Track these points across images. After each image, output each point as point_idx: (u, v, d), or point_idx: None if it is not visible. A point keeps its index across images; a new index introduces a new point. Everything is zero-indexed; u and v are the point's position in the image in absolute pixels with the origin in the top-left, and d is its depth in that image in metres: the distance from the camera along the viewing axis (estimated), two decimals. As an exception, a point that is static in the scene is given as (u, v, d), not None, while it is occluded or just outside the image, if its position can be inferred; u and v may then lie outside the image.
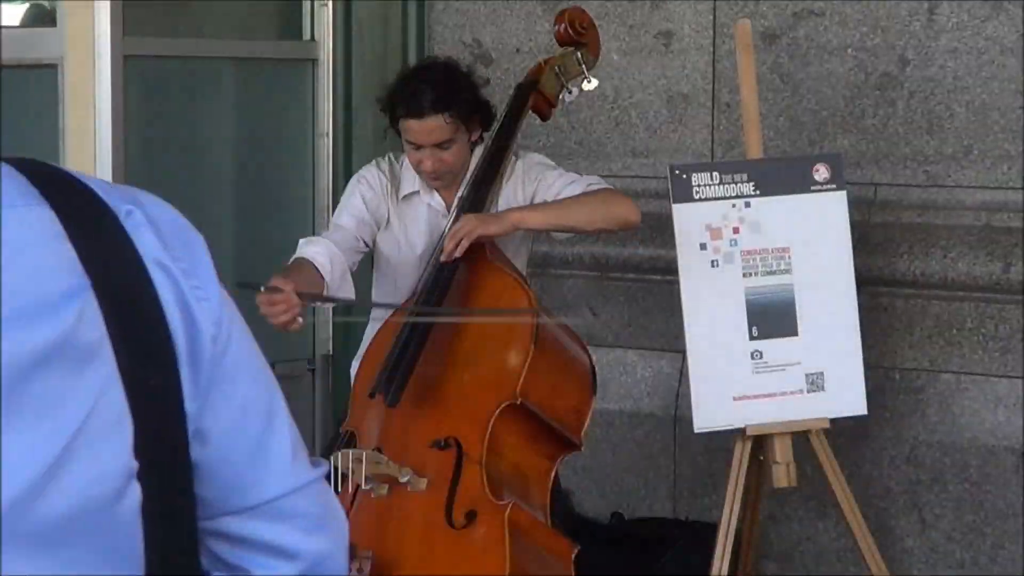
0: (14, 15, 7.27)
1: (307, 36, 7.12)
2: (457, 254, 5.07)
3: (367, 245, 5.42)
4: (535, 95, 5.58)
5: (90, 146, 6.42)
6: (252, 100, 7.15)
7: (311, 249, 5.22)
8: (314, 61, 7.12)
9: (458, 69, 5.41)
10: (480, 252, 5.19)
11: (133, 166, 6.49)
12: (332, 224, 5.47)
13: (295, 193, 7.16)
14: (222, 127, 7.10)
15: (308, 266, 5.14)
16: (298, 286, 4.93)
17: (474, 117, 5.31)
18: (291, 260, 5.21)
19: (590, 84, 5.66)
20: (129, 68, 6.42)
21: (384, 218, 5.44)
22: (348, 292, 5.35)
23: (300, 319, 4.94)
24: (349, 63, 7.07)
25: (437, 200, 5.42)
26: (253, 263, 6.95)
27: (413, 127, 5.22)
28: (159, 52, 6.75)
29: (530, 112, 5.62)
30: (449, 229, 5.24)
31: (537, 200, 5.38)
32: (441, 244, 5.20)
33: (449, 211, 5.41)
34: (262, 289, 4.90)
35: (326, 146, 7.10)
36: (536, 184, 5.40)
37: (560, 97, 5.64)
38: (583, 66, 5.61)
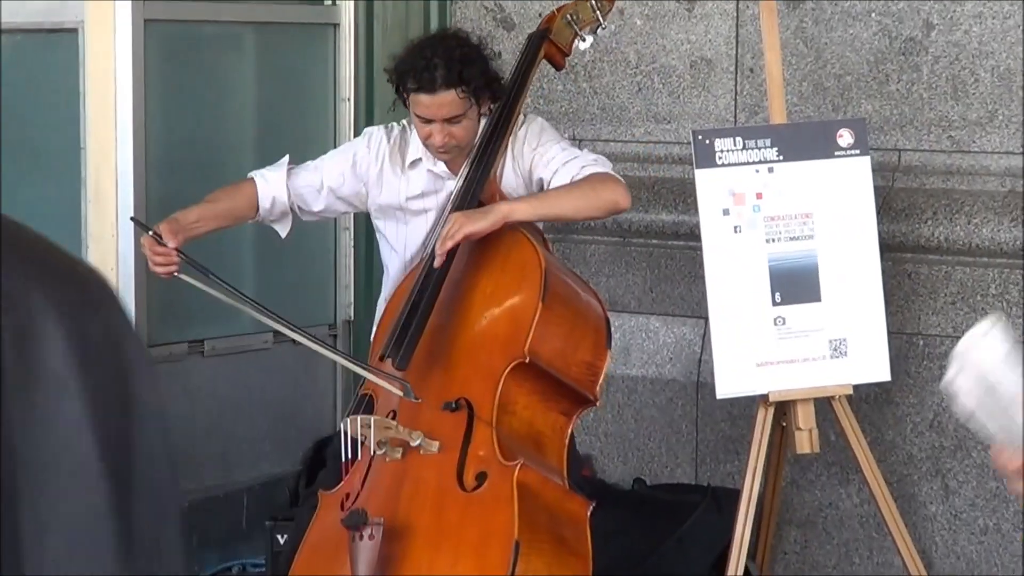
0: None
1: (328, 1, 7.14)
2: (443, 256, 5.10)
3: (333, 199, 5.48)
4: (548, 44, 5.59)
5: (110, 111, 6.41)
6: (273, 65, 7.16)
7: (262, 183, 5.39)
8: (335, 25, 7.10)
9: (470, 43, 5.40)
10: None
11: (153, 131, 6.50)
12: (314, 162, 5.51)
13: (316, 157, 7.09)
14: (243, 92, 7.10)
15: (247, 193, 5.37)
16: (187, 238, 5.11)
17: (485, 92, 5.30)
18: (243, 179, 5.41)
19: (602, 28, 5.64)
20: (149, 32, 6.39)
21: (371, 181, 5.48)
22: (284, 229, 5.51)
23: (176, 273, 5.08)
24: (371, 27, 7.07)
25: (442, 168, 5.43)
26: (273, 232, 7.01)
27: (424, 101, 5.22)
28: (179, 16, 6.73)
29: (544, 62, 5.61)
30: (450, 207, 5.28)
31: (536, 173, 5.37)
32: (435, 243, 5.19)
33: (454, 173, 5.43)
34: (149, 233, 5.06)
35: (348, 111, 7.10)
36: (533, 156, 5.38)
37: (574, 45, 5.62)
38: (597, 12, 5.59)
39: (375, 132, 5.53)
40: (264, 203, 5.35)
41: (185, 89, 6.81)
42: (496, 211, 5.12)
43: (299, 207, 5.41)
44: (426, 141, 5.31)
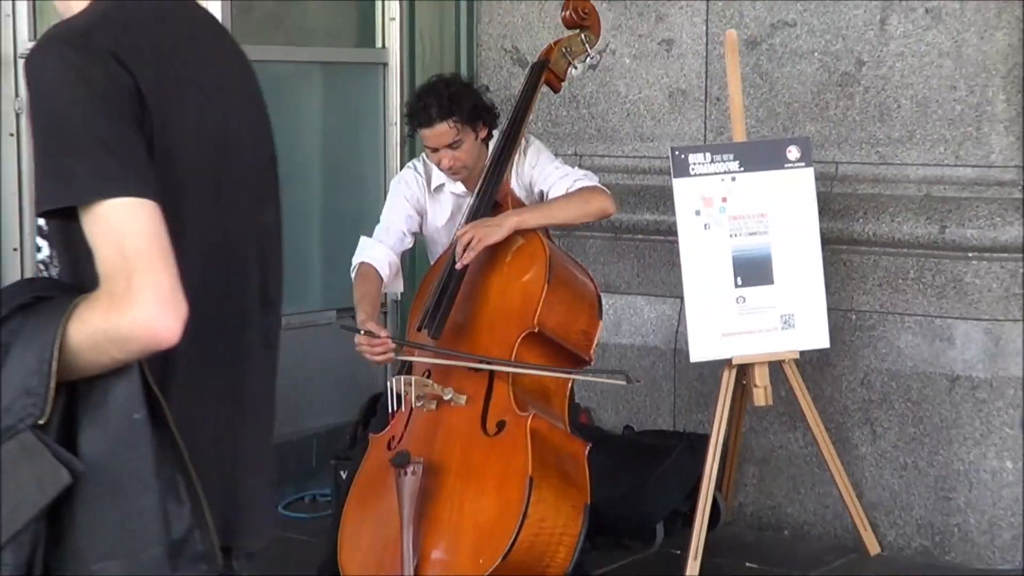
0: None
1: (379, 44, 7.12)
2: (467, 263, 5.09)
3: (413, 235, 5.44)
4: (547, 72, 5.54)
5: None
6: (334, 96, 7.14)
7: (370, 254, 5.35)
8: (384, 64, 7.10)
9: (458, 82, 5.42)
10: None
11: None
12: (382, 223, 5.44)
13: (369, 170, 7.16)
14: (312, 118, 7.11)
15: (372, 274, 5.30)
16: (384, 329, 5.16)
17: (477, 120, 5.29)
18: (355, 266, 5.35)
19: (594, 60, 5.64)
20: None
21: (424, 207, 5.45)
22: (398, 287, 5.53)
23: (391, 354, 5.12)
24: (413, 65, 7.08)
25: (459, 187, 5.39)
26: (335, 230, 7.05)
27: (426, 134, 5.25)
28: (261, 57, 6.60)
29: (544, 87, 5.57)
30: (466, 217, 5.25)
31: (536, 185, 5.35)
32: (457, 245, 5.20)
33: (472, 192, 5.39)
34: (362, 332, 5.05)
35: (394, 133, 7.08)
36: (534, 171, 5.36)
37: (568, 72, 5.58)
38: (586, 45, 5.57)
39: (406, 173, 5.51)
40: (384, 272, 5.31)
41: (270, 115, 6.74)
42: (508, 223, 5.11)
43: (398, 257, 5.41)
44: (438, 165, 5.31)
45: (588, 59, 5.58)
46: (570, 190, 5.25)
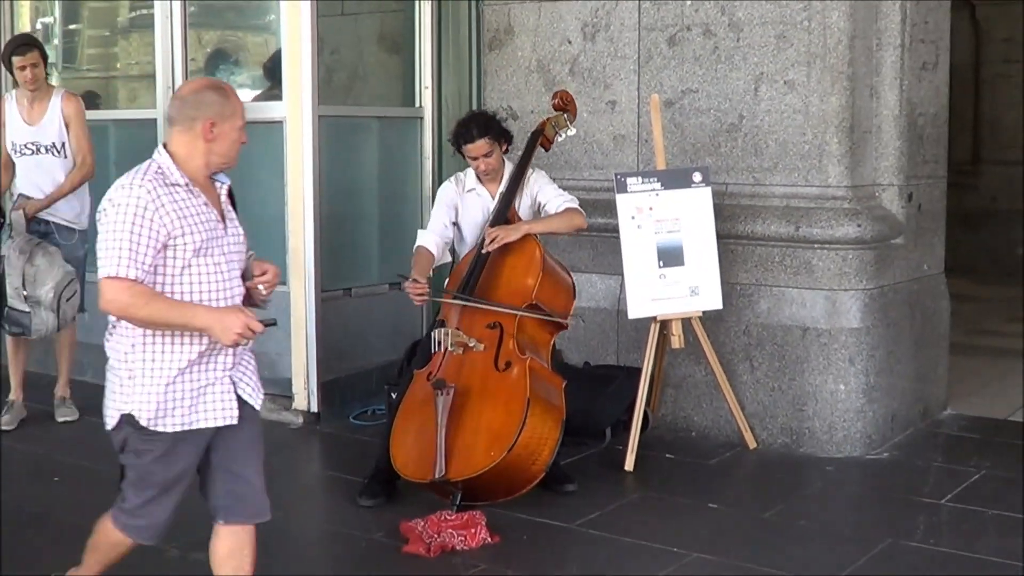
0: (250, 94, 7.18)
1: (417, 104, 7.05)
2: (491, 250, 5.08)
3: (453, 224, 5.36)
4: (541, 137, 5.57)
5: (299, 165, 6.33)
6: (386, 140, 7.02)
7: (423, 239, 5.28)
8: (421, 119, 7.04)
9: (488, 114, 5.41)
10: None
11: (324, 176, 6.42)
12: (432, 217, 5.41)
13: (410, 190, 7.07)
14: (371, 155, 7.02)
15: (426, 252, 5.23)
16: (427, 279, 5.08)
17: (501, 137, 5.30)
18: (415, 247, 5.26)
19: (571, 131, 5.66)
20: (320, 124, 6.36)
21: (458, 205, 5.39)
22: (447, 259, 5.40)
23: (427, 298, 5.08)
24: (440, 119, 6.98)
25: (484, 192, 5.37)
26: (386, 230, 6.98)
27: (469, 148, 5.25)
28: (338, 114, 6.70)
29: (539, 147, 5.58)
30: (490, 223, 5.22)
31: (538, 199, 5.32)
32: (484, 234, 5.19)
33: (493, 198, 5.37)
34: (410, 280, 5.04)
35: (429, 166, 7.04)
36: (538, 191, 5.35)
37: (555, 138, 5.63)
38: (567, 122, 5.64)
39: (447, 183, 5.50)
40: (433, 250, 5.25)
41: (339, 155, 6.72)
42: (521, 228, 5.15)
43: (444, 241, 5.33)
44: (476, 170, 5.28)
45: (568, 131, 5.63)
46: (559, 208, 5.25)
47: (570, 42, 6.57)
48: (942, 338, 6.51)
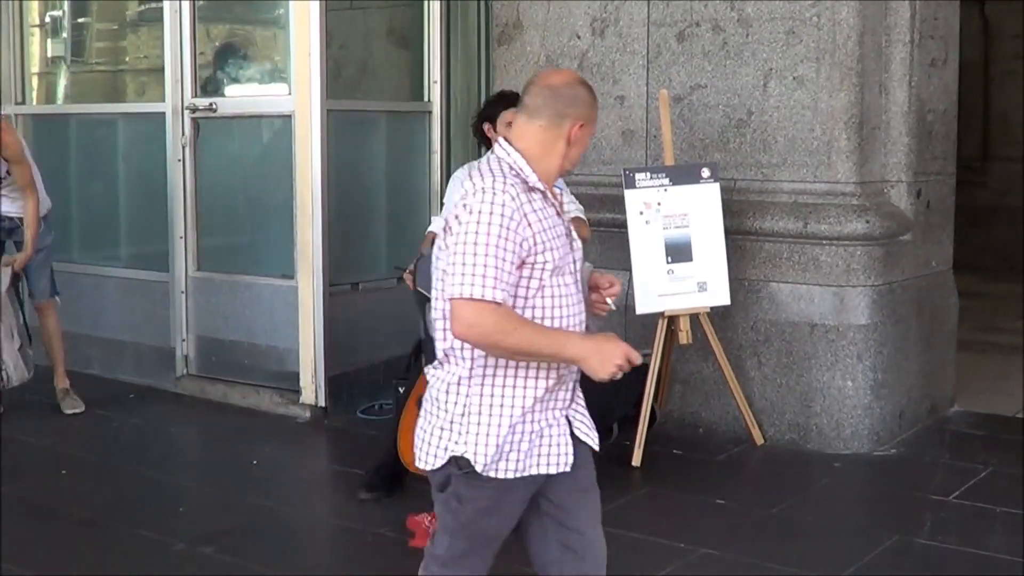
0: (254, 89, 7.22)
1: (426, 99, 7.05)
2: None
3: None
4: None
5: (307, 159, 6.34)
6: (396, 133, 7.03)
7: (437, 225, 5.11)
8: (429, 112, 7.04)
9: (513, 92, 5.32)
10: None
11: (333, 170, 6.44)
12: (445, 205, 5.42)
13: (418, 183, 7.08)
14: (380, 148, 7.04)
15: (432, 237, 5.15)
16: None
17: None
18: (426, 232, 5.25)
19: None
20: (329, 117, 6.38)
21: None
22: None
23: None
24: (448, 113, 6.98)
25: None
26: (395, 223, 6.99)
27: (506, 114, 5.10)
28: (347, 108, 6.70)
29: None
30: None
31: None
32: None
33: None
34: (407, 271, 5.08)
35: (437, 159, 7.03)
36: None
37: None
38: None
39: (460, 171, 5.42)
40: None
41: (348, 148, 6.75)
42: None
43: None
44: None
45: None
46: (572, 216, 5.21)
47: (579, 37, 6.58)
48: (950, 335, 6.52)
